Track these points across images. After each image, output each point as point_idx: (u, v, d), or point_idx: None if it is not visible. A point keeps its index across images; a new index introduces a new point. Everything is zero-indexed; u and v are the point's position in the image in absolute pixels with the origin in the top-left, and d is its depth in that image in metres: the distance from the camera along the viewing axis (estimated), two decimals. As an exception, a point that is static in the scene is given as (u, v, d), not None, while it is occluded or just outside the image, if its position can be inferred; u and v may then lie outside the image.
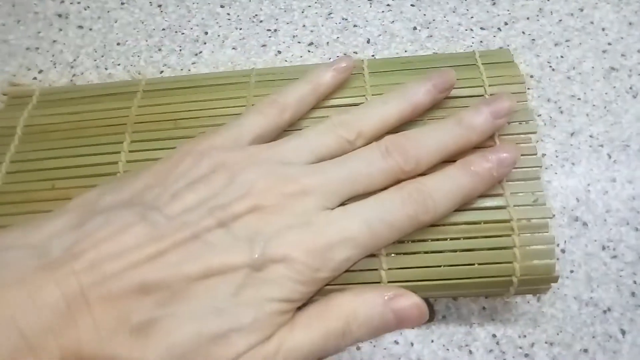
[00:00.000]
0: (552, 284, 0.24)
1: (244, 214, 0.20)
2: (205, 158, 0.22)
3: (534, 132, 0.26)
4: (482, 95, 0.27)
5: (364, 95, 0.27)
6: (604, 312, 0.27)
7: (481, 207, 0.24)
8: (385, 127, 0.24)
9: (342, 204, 0.22)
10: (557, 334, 0.26)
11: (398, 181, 0.22)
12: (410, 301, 0.21)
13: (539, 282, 0.24)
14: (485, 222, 0.24)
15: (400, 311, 0.21)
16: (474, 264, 0.24)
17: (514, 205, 0.24)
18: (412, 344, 0.26)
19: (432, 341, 0.26)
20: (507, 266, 0.23)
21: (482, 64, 0.28)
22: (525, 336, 0.26)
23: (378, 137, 0.23)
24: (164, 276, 0.19)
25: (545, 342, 0.26)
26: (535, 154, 0.25)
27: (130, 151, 0.26)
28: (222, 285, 0.19)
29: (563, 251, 0.28)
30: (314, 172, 0.22)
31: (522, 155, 0.25)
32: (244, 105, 0.27)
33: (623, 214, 0.28)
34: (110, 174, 0.26)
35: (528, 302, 0.27)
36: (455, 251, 0.24)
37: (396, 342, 0.26)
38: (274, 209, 0.21)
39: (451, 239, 0.24)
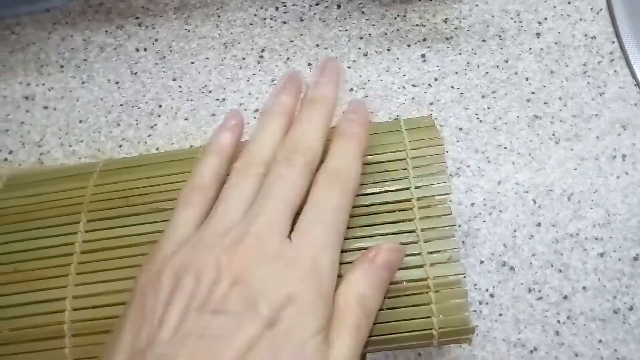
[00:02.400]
0: (471, 335, 0.26)
1: (228, 292, 0.21)
2: (163, 274, 0.22)
3: (449, 193, 0.28)
4: (404, 159, 0.29)
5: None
6: (531, 352, 0.29)
7: (401, 267, 0.26)
8: (278, 145, 0.26)
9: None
10: (488, 376, 0.28)
11: (313, 173, 0.25)
12: (387, 250, 0.24)
13: (457, 333, 0.26)
14: (407, 281, 0.26)
15: (387, 263, 0.24)
16: (397, 321, 0.26)
17: (430, 264, 0.26)
18: (354, 392, 0.28)
19: (373, 388, 0.28)
20: (426, 321, 0.26)
21: (406, 129, 0.30)
22: (458, 379, 0.28)
23: None
24: None
25: (477, 384, 0.28)
26: (450, 214, 0.27)
27: (86, 231, 0.29)
28: (259, 351, 0.20)
29: (492, 296, 0.30)
30: (253, 217, 0.23)
31: (438, 215, 0.27)
32: (189, 180, 0.30)
33: (547, 256, 0.31)
34: (67, 255, 0.28)
35: (460, 347, 0.29)
36: (380, 310, 0.26)
37: (339, 392, 0.28)
38: (247, 269, 0.22)
39: (376, 298, 0.26)
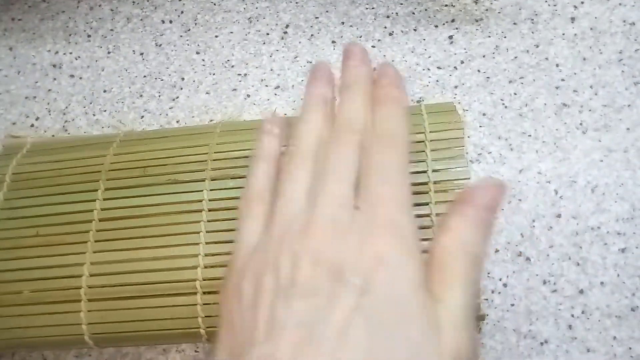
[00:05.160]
0: (482, 321, 0.26)
1: (311, 273, 0.20)
2: (242, 282, 0.21)
3: (467, 178, 0.27)
4: (423, 142, 0.29)
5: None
6: (541, 344, 0.28)
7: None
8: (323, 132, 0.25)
9: None
10: (495, 365, 0.28)
11: (363, 146, 0.23)
12: (486, 188, 0.22)
13: (466, 321, 0.26)
14: (418, 265, 0.26)
15: (487, 202, 0.21)
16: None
17: None
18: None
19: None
20: (435, 306, 0.25)
21: (427, 113, 0.30)
22: (464, 366, 0.28)
23: None
24: None
25: (484, 372, 0.28)
26: (466, 200, 0.27)
27: (104, 199, 0.29)
28: (361, 321, 0.19)
29: (505, 285, 0.29)
30: (314, 200, 0.22)
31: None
32: (206, 153, 0.30)
33: (566, 249, 0.30)
34: (86, 222, 0.29)
35: (469, 334, 0.29)
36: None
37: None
38: (324, 247, 0.20)
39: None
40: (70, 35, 0.38)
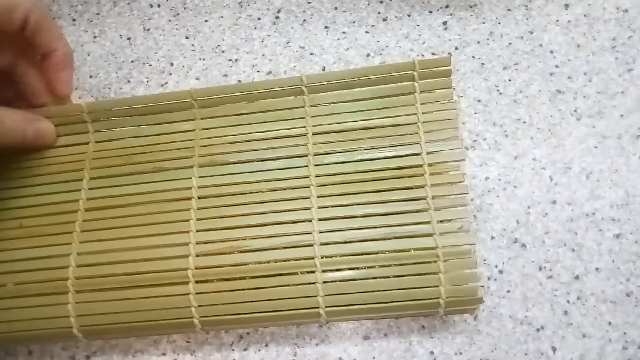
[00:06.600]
0: (479, 304, 0.26)
1: None
2: None
3: (462, 160, 0.27)
4: (416, 123, 0.28)
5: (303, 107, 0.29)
6: (537, 330, 0.28)
7: (409, 235, 0.26)
8: None
9: None
10: (492, 352, 0.28)
11: None
12: (48, 125, 0.30)
13: (464, 303, 0.25)
14: (415, 249, 0.26)
15: (38, 129, 0.29)
16: (404, 289, 0.26)
17: (440, 233, 0.26)
18: (355, 361, 0.28)
19: (374, 357, 0.28)
20: (434, 290, 0.25)
21: (420, 80, 0.29)
22: (461, 353, 0.28)
23: None
24: None
25: (480, 359, 0.28)
26: (463, 182, 0.27)
27: (89, 188, 0.28)
28: None
29: (501, 272, 0.29)
30: None
31: (450, 182, 0.27)
32: (193, 139, 0.29)
33: (561, 235, 0.30)
34: (72, 212, 0.28)
35: (465, 321, 0.29)
36: (387, 277, 0.26)
37: (340, 359, 0.28)
38: None
39: (382, 266, 0.26)
40: (54, 19, 0.37)
